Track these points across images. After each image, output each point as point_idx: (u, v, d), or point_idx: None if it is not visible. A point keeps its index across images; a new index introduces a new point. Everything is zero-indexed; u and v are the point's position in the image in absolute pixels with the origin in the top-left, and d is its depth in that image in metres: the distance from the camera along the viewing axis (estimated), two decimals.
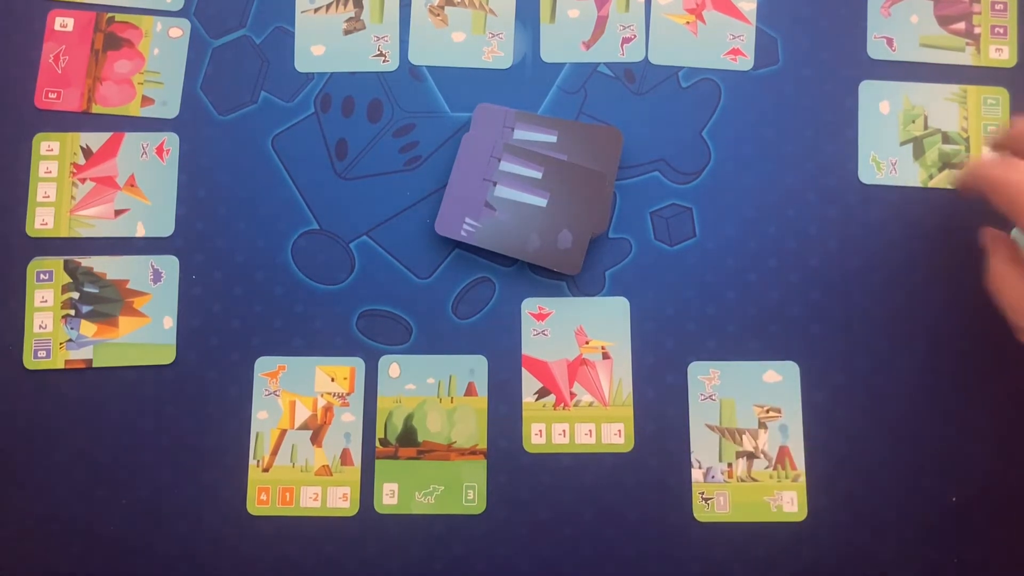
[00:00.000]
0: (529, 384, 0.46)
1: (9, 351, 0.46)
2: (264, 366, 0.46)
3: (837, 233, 0.47)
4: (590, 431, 0.45)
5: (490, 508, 0.45)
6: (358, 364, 0.46)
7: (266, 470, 0.45)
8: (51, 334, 0.46)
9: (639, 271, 0.47)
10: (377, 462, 0.45)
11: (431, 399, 0.45)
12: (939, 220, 0.47)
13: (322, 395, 0.45)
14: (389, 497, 0.45)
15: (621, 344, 0.46)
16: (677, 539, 0.44)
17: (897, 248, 0.47)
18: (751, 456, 0.45)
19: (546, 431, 0.45)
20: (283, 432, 0.45)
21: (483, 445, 0.45)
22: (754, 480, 0.44)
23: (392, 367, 0.46)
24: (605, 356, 0.46)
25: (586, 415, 0.45)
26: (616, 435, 0.45)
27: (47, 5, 0.49)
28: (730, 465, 0.45)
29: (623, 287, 0.47)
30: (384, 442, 0.45)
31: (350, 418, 0.45)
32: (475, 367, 0.46)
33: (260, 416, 0.45)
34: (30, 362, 0.46)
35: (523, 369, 0.46)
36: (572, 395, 0.46)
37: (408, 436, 0.45)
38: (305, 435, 0.45)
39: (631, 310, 0.46)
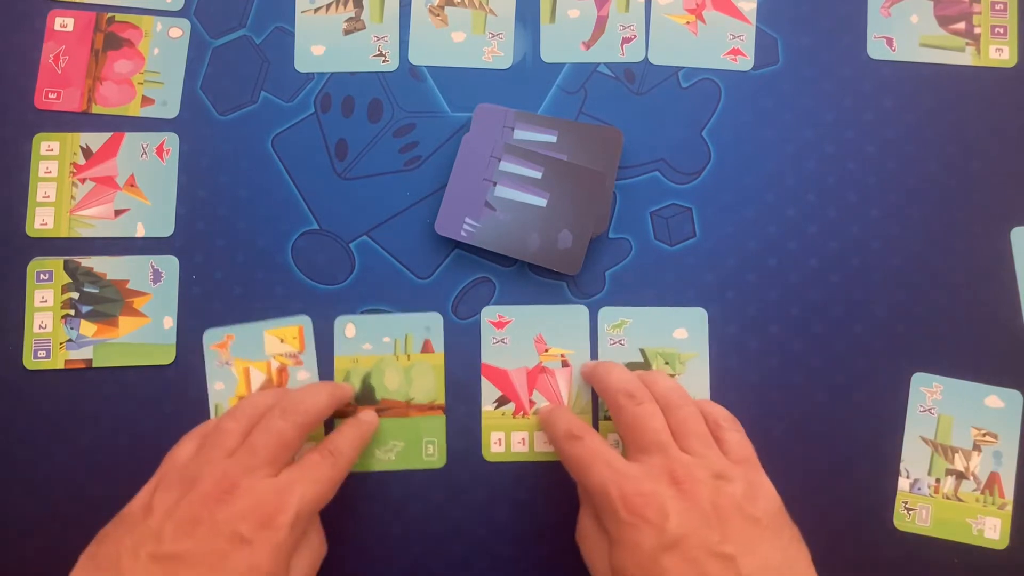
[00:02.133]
0: (488, 392, 0.46)
1: (9, 351, 0.46)
2: (212, 338, 0.46)
3: (837, 233, 0.47)
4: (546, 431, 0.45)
5: (450, 463, 0.45)
6: (305, 322, 0.46)
7: None
8: (51, 334, 0.46)
9: (639, 271, 0.47)
10: (336, 421, 0.45)
11: (388, 357, 0.46)
12: (939, 218, 0.47)
13: (274, 357, 0.46)
14: None
15: (580, 352, 0.46)
16: None
17: (898, 248, 0.47)
18: (960, 476, 0.45)
19: (505, 440, 0.45)
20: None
21: (441, 400, 0.45)
22: (960, 500, 0.44)
23: (348, 327, 0.46)
24: (564, 364, 0.46)
25: None
26: None
27: (47, 5, 0.49)
28: (938, 481, 0.44)
29: (623, 287, 0.47)
30: None
31: (306, 375, 0.46)
32: (431, 324, 0.46)
33: (216, 387, 0.46)
34: (30, 362, 0.46)
35: (482, 378, 0.46)
36: (531, 403, 0.46)
37: (367, 395, 0.45)
38: None
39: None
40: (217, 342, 0.46)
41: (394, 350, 0.46)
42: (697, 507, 0.35)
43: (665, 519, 0.34)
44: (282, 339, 0.46)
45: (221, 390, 0.45)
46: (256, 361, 0.46)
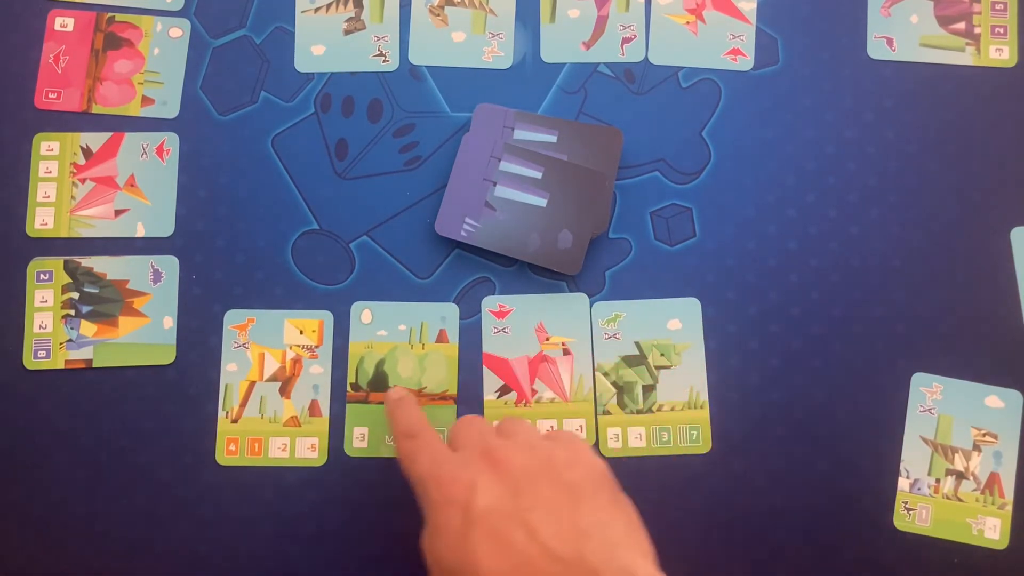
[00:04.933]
0: (490, 382, 0.46)
1: (9, 351, 0.46)
2: (233, 319, 0.46)
3: (837, 233, 0.47)
4: (552, 427, 0.45)
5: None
6: (326, 317, 0.46)
7: (235, 421, 0.45)
8: (51, 334, 0.46)
9: (639, 271, 0.47)
10: (348, 406, 0.45)
11: (403, 345, 0.46)
12: (939, 218, 0.47)
13: (291, 347, 0.46)
14: (359, 440, 0.45)
15: (581, 340, 0.46)
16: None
17: (898, 248, 0.47)
18: (960, 476, 0.45)
19: None
20: (252, 384, 0.45)
21: (453, 391, 0.45)
22: (960, 500, 0.44)
23: (364, 313, 0.46)
24: (566, 352, 0.46)
25: (548, 411, 0.45)
26: (578, 430, 0.45)
27: (47, 5, 0.49)
28: (938, 481, 0.45)
29: (623, 287, 0.47)
30: (355, 387, 0.45)
31: (318, 370, 0.46)
32: (447, 315, 0.46)
33: (229, 368, 0.46)
34: (30, 362, 0.46)
35: (484, 367, 0.46)
36: (533, 392, 0.46)
37: (379, 381, 0.45)
38: (274, 387, 0.45)
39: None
40: (237, 323, 0.46)
41: (409, 338, 0.46)
42: (507, 477, 0.34)
43: (472, 494, 0.33)
44: (301, 330, 0.46)
45: (233, 371, 0.46)
46: (273, 348, 0.46)
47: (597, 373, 0.46)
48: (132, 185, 0.47)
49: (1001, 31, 0.49)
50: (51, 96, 0.48)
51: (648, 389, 0.46)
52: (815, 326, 0.46)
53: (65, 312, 0.46)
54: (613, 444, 0.45)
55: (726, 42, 0.49)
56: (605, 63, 0.49)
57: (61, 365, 0.46)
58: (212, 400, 0.46)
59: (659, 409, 0.45)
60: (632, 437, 0.45)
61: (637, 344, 0.46)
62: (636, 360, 0.46)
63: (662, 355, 0.46)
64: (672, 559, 0.44)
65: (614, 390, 0.46)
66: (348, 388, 0.45)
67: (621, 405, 0.45)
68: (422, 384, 0.45)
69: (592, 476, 0.35)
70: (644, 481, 0.44)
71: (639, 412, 0.45)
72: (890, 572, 0.44)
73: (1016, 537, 0.44)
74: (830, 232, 0.47)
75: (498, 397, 0.46)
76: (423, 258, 0.47)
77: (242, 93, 0.48)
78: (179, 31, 0.49)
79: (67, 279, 0.46)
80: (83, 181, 0.47)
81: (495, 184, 0.46)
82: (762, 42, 0.49)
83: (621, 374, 0.46)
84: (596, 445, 0.45)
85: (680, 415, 0.45)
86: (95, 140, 0.48)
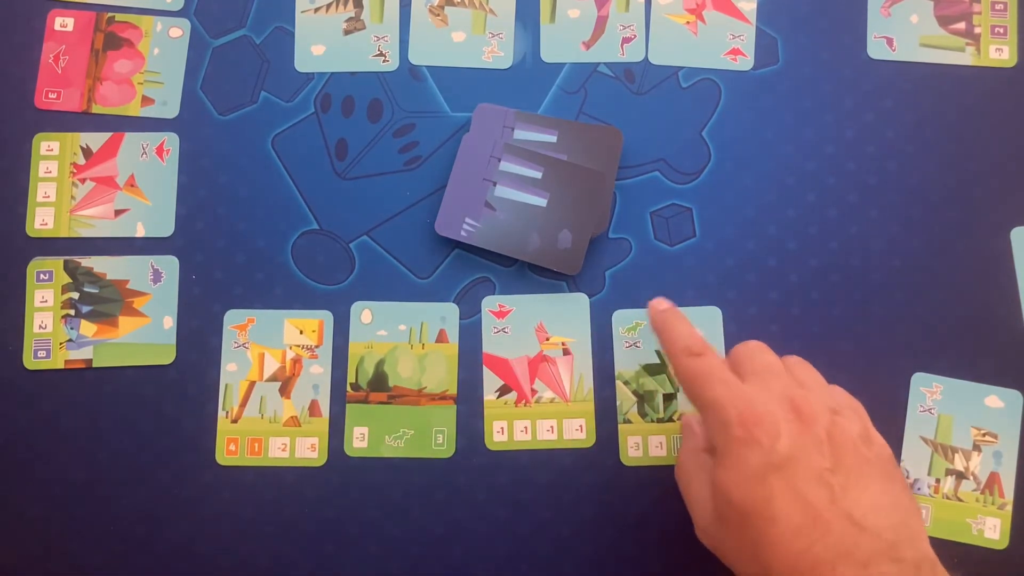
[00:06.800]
0: (490, 382, 0.46)
1: (9, 351, 0.46)
2: (233, 319, 0.46)
3: (837, 233, 0.47)
4: (551, 427, 0.45)
5: (459, 452, 0.45)
6: (326, 317, 0.46)
7: (235, 421, 0.45)
8: (51, 334, 0.46)
9: (639, 271, 0.47)
10: (348, 406, 0.45)
11: (402, 345, 0.46)
12: (939, 218, 0.47)
13: (291, 347, 0.46)
14: (359, 440, 0.45)
15: (581, 340, 0.46)
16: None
17: (898, 248, 0.47)
18: (960, 476, 0.44)
19: (508, 428, 0.45)
20: (252, 384, 0.46)
21: (453, 391, 0.45)
22: (960, 500, 0.44)
23: (364, 313, 0.46)
24: (566, 352, 0.46)
25: (547, 411, 0.45)
26: (578, 430, 0.45)
27: (47, 5, 0.49)
28: (938, 481, 0.44)
29: (623, 287, 0.47)
30: (355, 387, 0.45)
31: (319, 370, 0.46)
32: (446, 315, 0.46)
33: (229, 368, 0.46)
34: (30, 362, 0.46)
35: (484, 367, 0.46)
36: (533, 391, 0.46)
37: (379, 381, 0.45)
38: (274, 387, 0.45)
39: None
40: (237, 323, 0.46)
41: (409, 338, 0.46)
42: (811, 433, 0.34)
43: (776, 439, 0.33)
44: (301, 330, 0.46)
45: (233, 371, 0.46)
46: (272, 348, 0.46)
47: (617, 382, 0.46)
48: (132, 185, 0.47)
49: (1001, 31, 0.49)
50: (51, 96, 0.48)
51: (669, 398, 0.45)
52: (815, 326, 0.46)
53: (65, 312, 0.46)
54: (634, 453, 0.45)
55: (726, 42, 0.49)
56: (605, 63, 0.49)
57: (61, 365, 0.46)
58: (212, 400, 0.46)
59: (679, 418, 0.45)
60: (652, 446, 0.45)
61: (658, 353, 0.46)
62: (657, 369, 0.46)
63: None
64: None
65: (635, 399, 0.45)
66: (348, 388, 0.45)
67: (642, 414, 0.45)
68: (422, 384, 0.45)
69: (885, 457, 0.35)
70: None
71: (660, 421, 0.45)
72: None
73: (1016, 537, 0.44)
74: (830, 232, 0.47)
75: (498, 397, 0.46)
76: (423, 258, 0.47)
77: (242, 93, 0.49)
78: (179, 31, 0.49)
79: (67, 279, 0.46)
80: (83, 181, 0.47)
81: (495, 184, 0.46)
82: (762, 42, 0.49)
83: (642, 382, 0.46)
84: (617, 455, 0.45)
85: None
86: (95, 140, 0.48)
